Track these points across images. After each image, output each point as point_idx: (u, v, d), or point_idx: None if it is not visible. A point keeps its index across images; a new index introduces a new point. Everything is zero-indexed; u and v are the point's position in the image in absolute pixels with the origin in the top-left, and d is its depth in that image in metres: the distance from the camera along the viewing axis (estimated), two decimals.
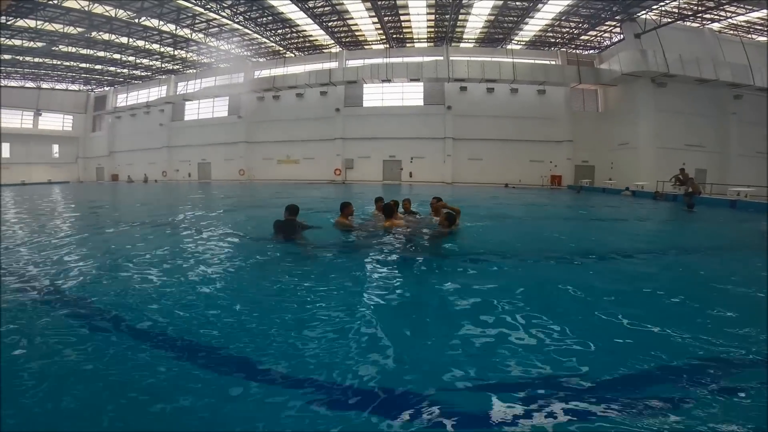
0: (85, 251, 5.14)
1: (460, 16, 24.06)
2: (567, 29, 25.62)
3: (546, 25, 25.07)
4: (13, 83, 34.28)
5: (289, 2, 22.11)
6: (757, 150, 22.40)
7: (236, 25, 25.65)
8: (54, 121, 37.96)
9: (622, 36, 24.23)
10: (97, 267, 4.23)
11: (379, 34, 27.46)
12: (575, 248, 5.72)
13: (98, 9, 21.71)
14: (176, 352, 2.25)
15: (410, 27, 26.65)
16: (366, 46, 29.68)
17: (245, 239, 6.06)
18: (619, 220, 10.15)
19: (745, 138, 22.95)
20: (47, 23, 22.55)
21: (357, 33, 27.64)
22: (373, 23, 25.53)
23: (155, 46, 28.24)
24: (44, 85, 36.14)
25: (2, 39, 23.92)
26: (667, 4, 20.94)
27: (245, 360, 2.18)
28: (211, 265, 4.32)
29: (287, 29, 27.01)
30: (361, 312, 2.87)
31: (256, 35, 27.54)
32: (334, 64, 29.48)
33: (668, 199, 15.98)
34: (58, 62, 30.83)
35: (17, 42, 24.95)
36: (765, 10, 20.80)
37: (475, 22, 25.01)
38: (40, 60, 29.82)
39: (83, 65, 31.84)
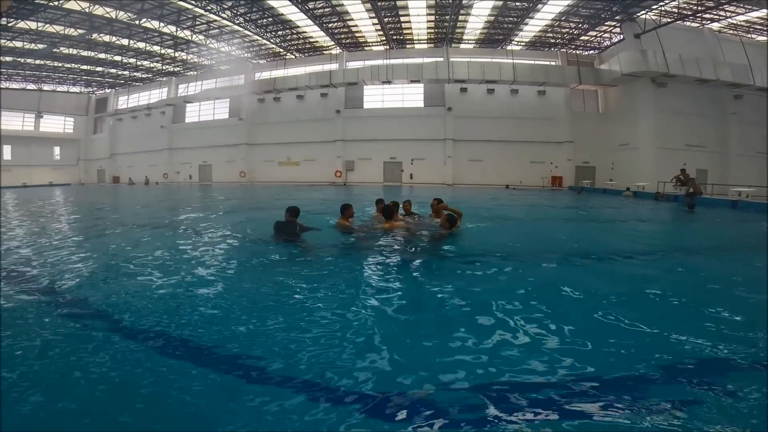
0: (86, 253, 5.14)
1: (460, 17, 24.08)
2: (567, 30, 25.63)
3: (546, 25, 25.08)
4: (14, 85, 34.38)
5: (290, 4, 22.14)
6: (757, 150, 22.37)
7: (237, 27, 25.70)
8: (55, 124, 38.04)
9: (621, 36, 24.22)
10: (97, 268, 4.23)
11: (379, 35, 27.50)
12: (576, 249, 5.71)
13: (99, 11, 21.76)
14: (175, 352, 2.25)
15: (410, 28, 26.68)
16: (366, 48, 29.72)
17: (245, 240, 6.06)
18: (620, 221, 10.13)
19: (746, 138, 22.92)
20: (48, 25, 22.61)
21: (357, 34, 27.68)
22: (373, 24, 25.57)
23: (156, 48, 28.30)
24: (45, 87, 36.23)
25: (3, 41, 24.00)
26: (666, 4, 20.95)
27: (244, 360, 2.18)
28: (210, 266, 4.32)
29: (287, 31, 27.06)
30: (360, 313, 2.87)
31: (256, 37, 27.59)
32: (334, 66, 29.52)
33: (669, 199, 15.96)
34: (59, 64, 30.91)
35: (18, 44, 25.03)
36: (765, 10, 20.79)
37: (475, 22, 25.03)
38: (42, 62, 29.90)
39: (84, 67, 31.92)
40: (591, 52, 28.19)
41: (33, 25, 22.14)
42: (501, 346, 2.35)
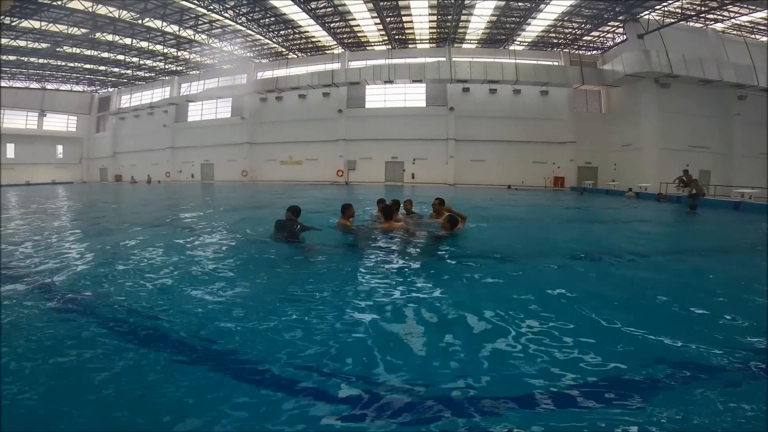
0: (85, 250, 5.15)
1: (463, 17, 24.04)
2: (570, 30, 25.55)
3: (548, 25, 25.01)
4: (17, 84, 34.53)
5: (292, 3, 22.16)
6: (761, 151, 22.25)
7: (239, 27, 25.73)
8: (58, 122, 38.22)
9: (625, 36, 24.14)
10: (96, 266, 4.23)
11: (381, 35, 27.48)
12: (577, 251, 5.69)
13: (102, 10, 21.83)
14: (174, 352, 2.25)
15: (412, 28, 26.65)
16: (368, 47, 29.72)
17: (245, 239, 6.06)
18: (622, 222, 10.10)
19: (749, 139, 22.81)
20: (51, 24, 22.69)
21: (359, 34, 27.68)
22: (375, 24, 25.56)
23: (159, 47, 28.38)
24: (49, 86, 36.38)
25: (7, 40, 24.10)
26: (670, 4, 20.86)
27: (241, 358, 2.18)
28: (209, 264, 4.32)
29: (290, 30, 27.08)
30: (358, 314, 2.86)
31: (258, 36, 27.62)
32: (336, 65, 29.54)
33: (672, 200, 15.90)
34: (63, 63, 31.04)
35: (22, 43, 25.13)
36: None
37: (478, 22, 24.99)
38: (45, 61, 30.03)
39: (87, 66, 32.05)
40: (594, 52, 28.11)
41: (36, 24, 22.23)
42: (499, 348, 2.34)
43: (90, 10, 21.51)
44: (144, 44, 27.57)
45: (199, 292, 3.34)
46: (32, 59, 28.98)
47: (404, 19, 25.13)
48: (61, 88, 37.28)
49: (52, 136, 37.85)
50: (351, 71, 28.31)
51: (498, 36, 27.11)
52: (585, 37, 26.44)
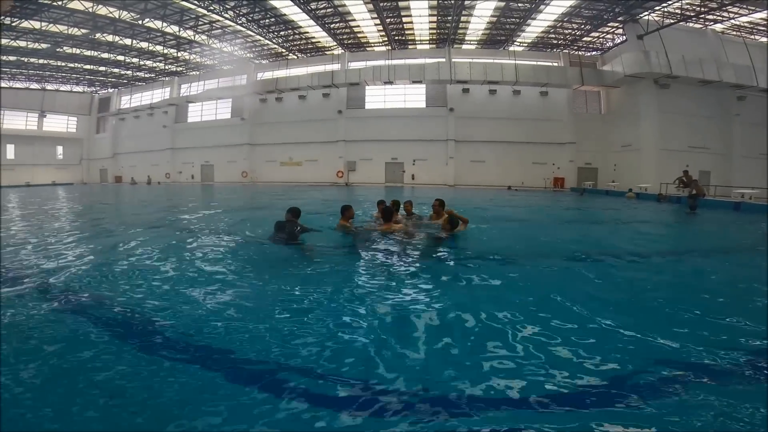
0: (84, 251, 5.16)
1: (462, 18, 24.05)
2: (569, 31, 25.57)
3: (548, 26, 25.02)
4: (17, 84, 34.54)
5: (292, 4, 22.17)
6: (760, 151, 22.26)
7: (239, 27, 25.75)
8: (58, 123, 38.21)
9: (624, 37, 24.16)
10: (94, 267, 4.23)
11: (381, 35, 27.50)
12: (577, 252, 5.69)
13: (102, 10, 21.85)
14: (170, 350, 2.25)
15: (412, 29, 26.67)
16: (368, 48, 29.74)
17: (244, 240, 6.05)
18: (622, 222, 10.10)
19: (749, 139, 22.82)
20: (51, 25, 22.70)
21: (359, 35, 27.70)
22: (375, 25, 25.57)
23: (159, 48, 28.39)
24: (49, 87, 36.39)
25: (7, 40, 24.11)
26: (669, 5, 20.88)
27: (240, 360, 2.18)
28: (209, 266, 4.31)
29: (290, 31, 27.10)
30: (357, 316, 2.86)
31: (258, 37, 27.64)
32: (336, 66, 29.55)
33: (672, 201, 15.91)
34: (63, 64, 31.05)
35: (22, 43, 25.14)
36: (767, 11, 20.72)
37: (477, 23, 25.00)
38: (45, 61, 30.04)
39: (87, 67, 32.06)
40: (594, 53, 28.13)
41: (36, 24, 22.23)
42: (499, 348, 2.34)
43: (90, 10, 21.53)
44: (144, 45, 27.59)
45: (197, 293, 3.34)
46: (32, 60, 28.99)
47: (404, 19, 25.14)
48: (61, 88, 37.28)
49: (52, 137, 37.83)
50: (351, 72, 28.32)
51: (498, 37, 27.13)
52: (585, 38, 26.46)
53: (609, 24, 24.03)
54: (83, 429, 1.62)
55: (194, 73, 34.61)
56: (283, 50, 30.22)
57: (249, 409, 1.72)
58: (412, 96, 29.18)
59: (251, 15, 24.13)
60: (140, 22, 23.64)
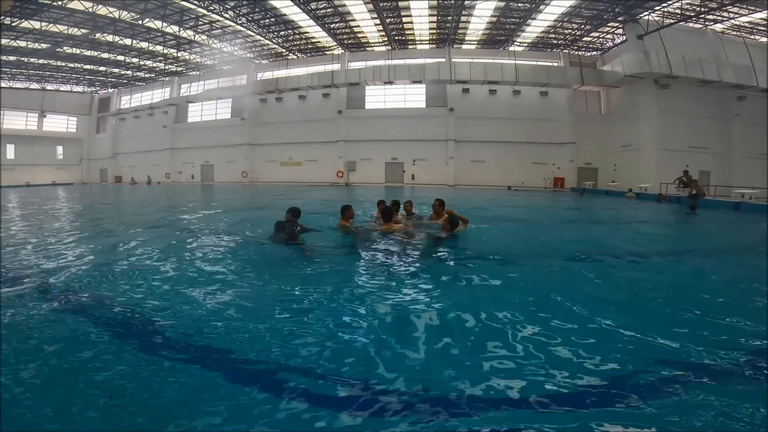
0: (84, 251, 5.16)
1: (462, 18, 24.06)
2: (569, 31, 25.57)
3: (548, 26, 25.03)
4: (18, 84, 34.55)
5: (292, 4, 22.18)
6: (760, 151, 22.27)
7: (239, 27, 25.75)
8: (58, 123, 38.20)
9: (624, 37, 24.16)
10: (97, 267, 4.23)
11: (381, 35, 27.51)
12: (577, 252, 5.69)
13: (102, 10, 21.85)
14: (172, 351, 2.25)
15: (412, 29, 26.67)
16: (368, 48, 29.74)
17: (245, 241, 6.06)
18: (622, 222, 10.10)
19: (749, 139, 22.83)
20: (52, 25, 22.71)
21: (359, 35, 27.70)
22: (375, 25, 25.58)
23: (159, 48, 28.40)
24: (49, 87, 36.39)
25: (7, 40, 24.12)
26: (669, 5, 20.88)
27: (239, 360, 2.19)
28: (209, 267, 4.31)
29: (290, 31, 27.10)
30: (356, 316, 2.86)
31: (258, 37, 27.64)
32: (336, 66, 29.55)
33: (672, 201, 15.91)
34: (63, 64, 31.05)
35: (22, 43, 25.14)
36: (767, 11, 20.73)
37: (478, 23, 25.01)
38: (45, 61, 30.04)
39: (87, 67, 32.06)
40: (594, 53, 28.13)
41: (37, 24, 22.24)
42: (499, 349, 2.34)
43: (90, 10, 21.53)
44: (144, 45, 27.59)
45: (197, 293, 3.34)
46: (32, 60, 29.00)
47: (404, 19, 25.14)
48: (61, 88, 37.28)
49: (52, 137, 37.83)
50: (351, 72, 28.32)
51: (498, 37, 27.13)
52: (585, 38, 26.46)
53: (609, 24, 24.04)
54: (83, 429, 1.62)
55: (194, 73, 34.62)
56: (283, 50, 30.22)
57: (249, 409, 1.72)
58: (412, 96, 29.18)
59: (251, 15, 24.13)
60: (140, 22, 23.65)
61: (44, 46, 25.87)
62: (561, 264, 4.96)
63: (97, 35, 25.06)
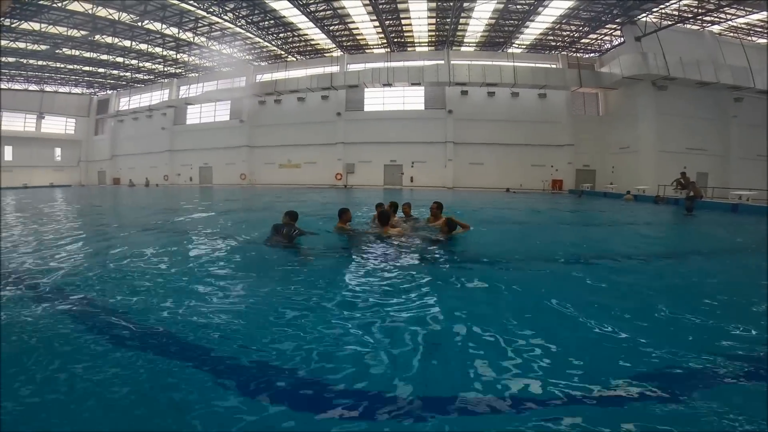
0: (80, 254, 5.15)
1: (461, 20, 24.14)
2: (567, 33, 25.67)
3: (546, 28, 25.12)
4: (16, 86, 34.52)
5: (291, 6, 22.23)
6: (758, 153, 22.35)
7: (238, 29, 25.80)
8: (57, 125, 38.14)
9: (622, 39, 24.26)
10: (91, 269, 4.22)
11: (380, 38, 27.57)
12: (575, 254, 5.70)
13: (102, 12, 21.87)
14: (167, 353, 2.26)
15: (411, 31, 26.75)
16: (367, 50, 29.80)
17: (242, 243, 6.05)
18: (619, 224, 10.12)
19: (747, 141, 22.93)
20: (51, 26, 22.72)
21: (358, 37, 27.76)
22: (374, 27, 25.64)
23: (158, 50, 28.43)
24: (47, 88, 36.36)
25: (6, 42, 24.12)
26: (667, 6, 20.98)
27: (233, 363, 2.19)
28: (205, 269, 4.30)
29: (289, 33, 27.15)
30: (351, 319, 2.86)
31: (258, 39, 27.69)
32: (335, 68, 29.59)
33: (670, 202, 15.94)
34: (62, 65, 31.04)
35: (21, 45, 25.14)
36: (765, 13, 20.82)
37: (476, 25, 25.08)
38: (44, 63, 30.03)
39: (86, 68, 32.05)
40: (592, 55, 28.24)
41: (36, 26, 22.25)
42: (495, 353, 2.34)
43: (90, 12, 21.56)
44: (143, 46, 27.61)
45: (192, 296, 3.33)
46: (31, 61, 28.99)
47: (403, 22, 25.22)
48: (60, 90, 37.26)
49: (51, 139, 37.76)
50: (350, 74, 28.37)
51: (496, 39, 27.22)
52: (582, 40, 26.57)
53: (607, 26, 24.14)
54: (81, 429, 1.63)
55: (193, 74, 34.62)
56: (282, 52, 30.27)
57: (242, 413, 1.72)
58: (410, 98, 29.24)
59: (250, 17, 24.17)
60: (140, 23, 23.68)
61: (43, 47, 25.88)
62: (559, 267, 4.97)
63: (97, 37, 25.08)
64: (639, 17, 22.40)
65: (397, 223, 6.34)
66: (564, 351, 2.37)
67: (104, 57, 29.08)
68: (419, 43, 28.57)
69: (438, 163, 28.37)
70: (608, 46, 26.66)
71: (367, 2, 21.70)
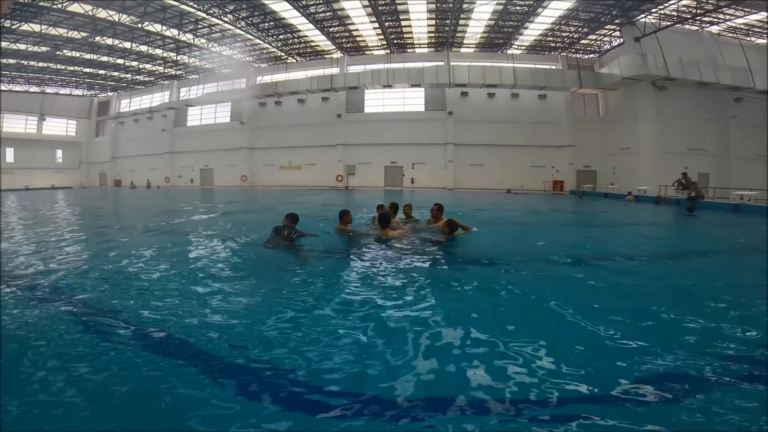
0: (81, 255, 5.15)
1: (461, 21, 24.18)
2: (567, 33, 25.70)
3: (546, 29, 25.15)
4: (17, 88, 34.59)
5: (291, 8, 22.27)
6: (758, 153, 22.34)
7: (238, 31, 25.85)
8: (58, 126, 38.22)
9: (622, 40, 24.28)
10: (90, 271, 4.22)
11: (380, 39, 27.61)
12: (577, 255, 5.69)
13: (102, 14, 21.93)
14: (166, 352, 2.25)
15: (411, 32, 26.79)
16: (367, 52, 29.85)
17: (241, 245, 6.04)
18: (621, 225, 10.11)
19: (747, 141, 22.94)
20: (51, 28, 22.78)
21: (358, 38, 27.81)
22: (374, 29, 25.68)
23: (158, 51, 28.49)
24: (48, 90, 36.44)
25: (7, 43, 24.18)
26: (666, 7, 21.00)
27: (233, 361, 2.18)
28: (204, 271, 4.30)
29: (289, 35, 27.20)
30: (349, 321, 2.86)
31: (258, 41, 27.74)
32: (335, 70, 29.63)
33: (671, 203, 15.93)
34: (62, 67, 31.12)
35: (22, 46, 25.20)
36: (764, 13, 20.85)
37: (476, 27, 25.12)
38: (45, 65, 30.10)
39: (87, 70, 32.13)
40: (591, 55, 28.26)
41: (36, 27, 22.31)
42: (495, 355, 2.33)
43: (90, 13, 21.61)
44: (144, 48, 27.67)
45: (191, 297, 3.33)
46: (32, 63, 29.06)
47: (403, 23, 25.26)
48: (61, 92, 37.34)
49: (52, 141, 37.83)
50: (350, 76, 28.41)
51: (496, 40, 27.24)
52: (582, 41, 26.59)
53: (606, 27, 24.17)
54: (81, 429, 1.63)
55: (194, 76, 34.68)
56: (283, 54, 30.32)
57: (241, 414, 1.72)
58: (411, 99, 29.26)
59: (250, 18, 24.22)
60: (140, 25, 23.73)
61: (44, 49, 25.94)
62: (559, 268, 4.95)
63: (97, 38, 25.14)
64: (638, 18, 22.42)
65: (397, 224, 6.33)
66: (564, 352, 2.36)
67: (105, 59, 29.16)
68: (419, 44, 28.61)
69: (438, 164, 28.38)
70: (608, 46, 26.68)
71: (367, 4, 21.74)
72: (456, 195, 21.72)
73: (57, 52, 26.81)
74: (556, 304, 3.26)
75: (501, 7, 22.12)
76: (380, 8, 22.37)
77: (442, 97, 28.38)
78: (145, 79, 35.20)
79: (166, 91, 35.78)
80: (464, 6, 21.74)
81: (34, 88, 35.59)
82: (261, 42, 27.88)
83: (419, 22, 24.88)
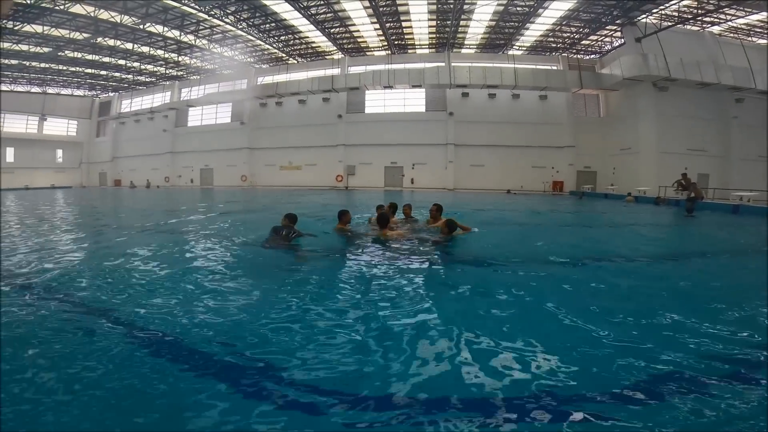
0: (80, 255, 5.16)
1: (462, 22, 24.18)
2: (568, 34, 25.69)
3: (547, 30, 25.15)
4: (19, 88, 34.70)
5: (292, 9, 22.31)
6: (759, 154, 22.30)
7: (240, 32, 25.90)
8: (58, 126, 38.32)
9: (622, 40, 24.27)
10: (89, 270, 4.23)
11: (381, 40, 27.64)
12: (576, 256, 5.69)
13: (104, 15, 21.99)
14: (161, 351, 2.26)
15: (412, 33, 26.81)
16: (368, 53, 29.87)
17: (240, 245, 6.05)
18: (620, 226, 10.10)
19: (747, 142, 22.89)
20: (53, 29, 22.85)
21: (359, 39, 27.83)
22: (375, 30, 25.70)
23: (159, 52, 28.55)
24: (50, 90, 36.55)
25: (9, 44, 24.25)
26: (667, 7, 20.99)
27: (230, 360, 2.19)
28: (202, 271, 4.30)
29: (290, 36, 27.25)
30: (346, 322, 2.86)
31: (259, 42, 27.79)
32: (336, 71, 29.67)
33: (671, 204, 15.91)
34: (64, 68, 31.21)
35: (24, 47, 25.28)
36: (765, 13, 20.82)
37: (477, 27, 25.13)
38: (46, 65, 30.19)
39: (88, 71, 32.22)
40: (592, 56, 28.25)
41: (38, 28, 22.38)
42: (494, 355, 2.33)
43: (92, 14, 21.67)
44: (145, 49, 27.74)
45: (189, 297, 3.34)
46: (34, 63, 29.14)
47: (404, 24, 25.28)
48: (62, 92, 37.45)
49: (52, 141, 37.93)
50: (351, 76, 28.43)
51: (497, 41, 27.25)
52: (583, 41, 26.58)
53: (607, 27, 24.15)
54: (80, 429, 1.63)
55: (195, 77, 34.75)
56: (284, 55, 30.36)
57: (239, 414, 1.72)
58: (411, 100, 29.27)
59: (252, 20, 24.27)
60: (141, 26, 23.79)
61: (46, 49, 26.02)
62: (558, 269, 4.95)
63: (99, 39, 25.21)
64: (639, 18, 22.41)
65: (396, 224, 6.33)
66: (564, 352, 2.36)
67: (106, 59, 29.25)
68: (420, 45, 28.63)
69: (439, 164, 28.38)
70: (609, 47, 26.66)
71: (368, 5, 21.76)
72: (456, 195, 21.71)
73: (59, 53, 26.89)
74: (555, 305, 3.26)
75: (502, 7, 22.12)
76: (381, 9, 22.39)
77: (443, 97, 28.38)
78: (147, 79, 35.29)
79: (168, 91, 35.85)
80: (465, 7, 21.75)
81: (35, 89, 35.71)
82: (262, 43, 27.93)
83: (420, 23, 24.90)
